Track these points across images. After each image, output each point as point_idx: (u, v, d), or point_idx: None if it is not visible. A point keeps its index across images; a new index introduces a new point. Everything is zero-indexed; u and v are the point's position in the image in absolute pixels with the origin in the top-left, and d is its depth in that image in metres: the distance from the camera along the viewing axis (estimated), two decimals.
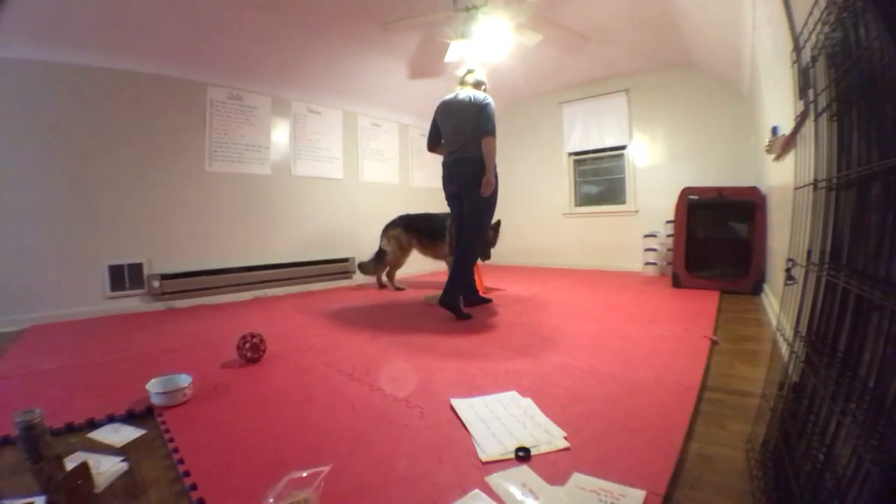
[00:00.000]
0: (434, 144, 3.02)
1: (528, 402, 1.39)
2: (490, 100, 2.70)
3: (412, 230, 3.96)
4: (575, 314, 2.77)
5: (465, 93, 2.76)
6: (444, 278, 2.81)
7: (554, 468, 1.03)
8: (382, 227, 4.08)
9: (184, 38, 3.15)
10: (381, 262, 4.07)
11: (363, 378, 1.69)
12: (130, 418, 1.40)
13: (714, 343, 2.03)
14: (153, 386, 1.50)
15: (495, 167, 2.72)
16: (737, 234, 3.65)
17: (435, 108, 2.93)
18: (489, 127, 2.62)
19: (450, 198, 2.98)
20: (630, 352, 1.93)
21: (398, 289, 4.01)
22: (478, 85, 2.83)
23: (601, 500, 0.90)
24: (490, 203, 2.81)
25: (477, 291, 3.16)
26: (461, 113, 2.73)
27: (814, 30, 1.01)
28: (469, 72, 2.86)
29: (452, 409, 1.37)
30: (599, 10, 3.43)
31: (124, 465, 1.10)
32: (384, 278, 4.18)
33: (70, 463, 1.02)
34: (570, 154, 5.41)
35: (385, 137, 5.18)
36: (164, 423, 1.34)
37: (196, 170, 3.62)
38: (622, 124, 4.91)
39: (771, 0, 1.88)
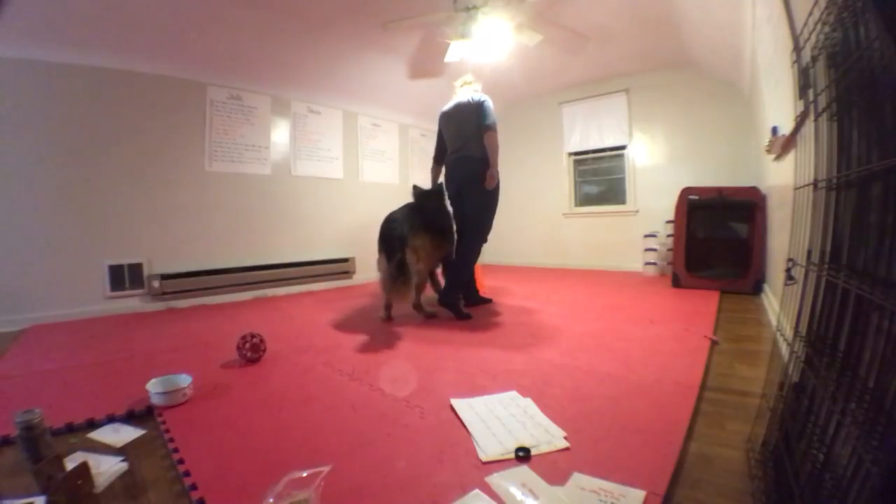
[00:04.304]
0: (440, 157, 3.07)
1: (528, 402, 1.39)
2: (487, 97, 2.77)
3: (382, 247, 2.59)
4: (575, 314, 2.77)
5: (466, 95, 2.84)
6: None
7: (554, 468, 1.03)
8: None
9: (184, 37, 3.15)
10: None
11: (363, 378, 1.69)
12: (130, 418, 1.40)
13: (714, 343, 2.03)
14: (153, 386, 1.50)
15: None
16: (737, 234, 3.65)
17: (436, 109, 2.98)
18: (490, 122, 2.69)
19: (451, 197, 2.99)
20: (630, 352, 1.93)
21: (427, 314, 2.75)
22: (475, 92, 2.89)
23: (601, 500, 0.90)
24: (491, 202, 2.81)
25: (477, 291, 3.16)
26: (462, 114, 2.78)
27: (814, 30, 1.01)
28: (466, 83, 2.93)
29: (452, 409, 1.37)
30: (599, 10, 3.42)
31: (124, 465, 1.10)
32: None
33: (70, 463, 1.02)
34: (570, 154, 5.41)
35: (385, 137, 5.18)
36: (164, 423, 1.33)
37: (196, 170, 3.62)
38: (622, 124, 4.91)
39: (771, 0, 1.88)
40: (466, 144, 2.74)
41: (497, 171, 2.72)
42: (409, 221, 2.53)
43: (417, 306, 2.76)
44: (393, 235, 2.49)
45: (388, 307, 2.75)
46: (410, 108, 5.17)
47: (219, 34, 3.20)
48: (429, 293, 2.95)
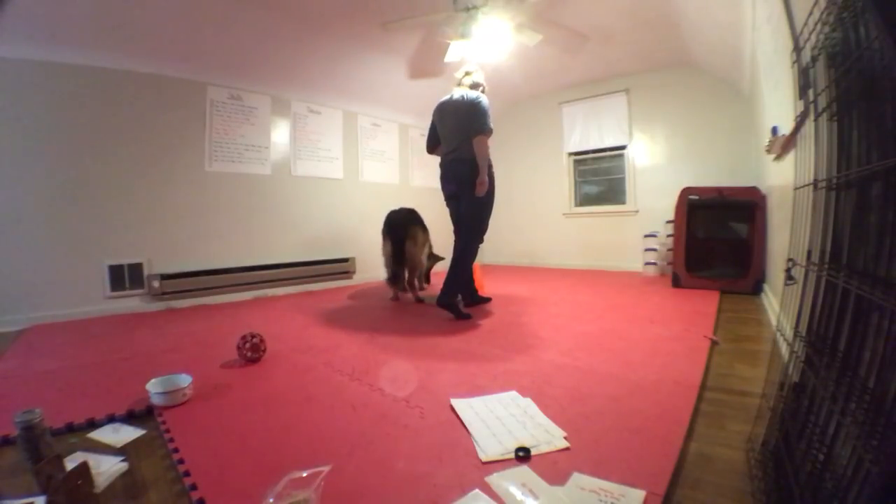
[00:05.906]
0: (433, 146, 3.02)
1: (528, 402, 1.39)
2: (482, 98, 2.68)
3: (387, 232, 3.45)
4: (575, 314, 2.77)
5: (459, 92, 2.76)
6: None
7: (554, 468, 1.03)
8: (382, 227, 3.52)
9: (184, 38, 3.15)
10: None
11: (363, 378, 1.69)
12: (130, 418, 1.40)
13: (714, 343, 2.03)
14: (153, 386, 1.50)
15: (491, 166, 2.71)
16: (737, 234, 3.65)
17: (434, 108, 2.93)
18: (480, 126, 2.59)
19: (448, 198, 2.98)
20: (630, 352, 1.93)
21: (420, 301, 3.40)
22: (475, 86, 2.81)
23: (601, 500, 0.90)
24: (487, 203, 2.80)
25: (477, 291, 3.16)
26: (456, 113, 2.72)
27: (814, 30, 1.01)
28: (467, 73, 2.84)
29: (452, 409, 1.37)
30: (599, 10, 3.42)
31: (124, 465, 1.10)
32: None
33: (70, 463, 1.02)
34: (570, 154, 5.41)
35: (385, 137, 5.18)
36: (164, 423, 1.33)
37: (196, 170, 3.62)
38: (622, 124, 4.91)
39: (771, 0, 1.88)
40: (460, 146, 2.70)
41: (486, 178, 2.62)
42: (408, 217, 3.43)
43: (417, 297, 3.27)
44: (396, 224, 3.33)
45: (395, 286, 3.38)
46: (410, 108, 5.17)
47: (219, 34, 3.20)
48: (430, 292, 2.96)
